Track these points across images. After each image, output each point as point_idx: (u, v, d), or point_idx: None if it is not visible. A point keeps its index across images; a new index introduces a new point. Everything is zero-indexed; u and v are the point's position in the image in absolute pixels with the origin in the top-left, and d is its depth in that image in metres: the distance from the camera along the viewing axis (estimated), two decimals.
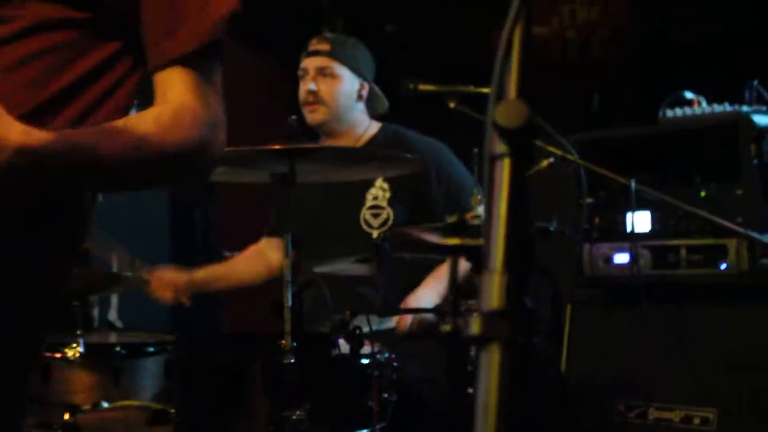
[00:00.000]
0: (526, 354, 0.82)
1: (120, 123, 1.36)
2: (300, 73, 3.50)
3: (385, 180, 3.43)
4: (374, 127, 3.57)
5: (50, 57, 1.37)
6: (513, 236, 0.84)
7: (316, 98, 3.43)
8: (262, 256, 3.64)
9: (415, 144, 3.47)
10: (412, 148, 3.39)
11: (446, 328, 2.38)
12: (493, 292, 0.82)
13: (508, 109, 0.86)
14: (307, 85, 3.45)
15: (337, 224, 3.44)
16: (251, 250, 3.69)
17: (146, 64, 1.46)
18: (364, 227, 3.42)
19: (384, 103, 3.59)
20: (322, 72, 3.45)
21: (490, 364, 0.80)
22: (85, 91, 1.40)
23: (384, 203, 3.43)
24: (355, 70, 3.48)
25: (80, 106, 1.39)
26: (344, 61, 3.46)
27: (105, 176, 1.36)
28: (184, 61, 1.43)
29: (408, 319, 3.20)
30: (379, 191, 3.44)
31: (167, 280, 3.41)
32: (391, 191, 3.43)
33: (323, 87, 3.44)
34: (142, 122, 1.37)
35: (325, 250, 3.25)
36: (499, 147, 0.86)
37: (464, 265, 3.07)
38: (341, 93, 3.46)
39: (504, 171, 0.86)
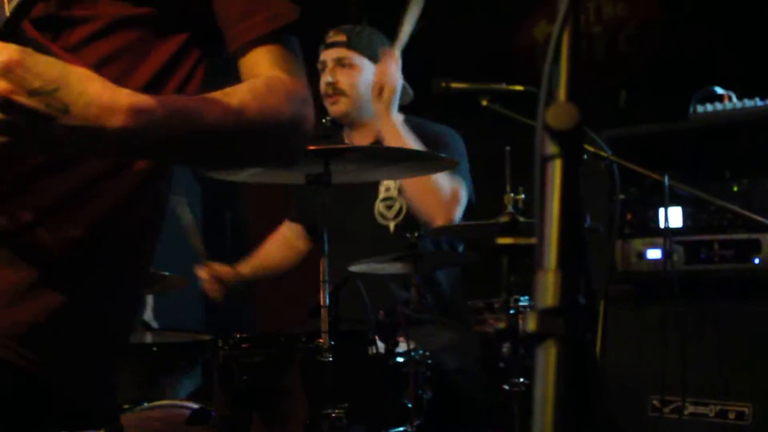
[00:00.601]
0: (581, 350, 0.84)
1: (217, 93, 1.34)
2: (319, 66, 3.49)
3: None
4: (397, 120, 3.57)
5: (125, 56, 1.38)
6: (566, 235, 0.86)
7: (335, 90, 3.43)
8: (290, 242, 3.68)
9: (437, 136, 3.46)
10: (435, 141, 3.39)
11: (501, 325, 2.39)
12: (548, 290, 0.84)
13: (558, 111, 0.88)
14: (326, 77, 3.45)
15: (351, 218, 3.45)
16: (278, 239, 3.73)
17: (212, 54, 1.46)
18: (379, 219, 3.43)
19: (408, 92, 3.57)
20: (340, 63, 3.44)
21: (547, 360, 0.82)
22: (161, 88, 1.41)
23: (395, 194, 3.43)
24: (374, 58, 3.46)
25: None
26: (362, 51, 3.46)
27: (209, 144, 1.33)
28: (269, 39, 1.44)
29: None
30: (390, 182, 3.43)
31: (218, 274, 3.43)
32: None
33: (342, 78, 3.43)
34: (239, 91, 1.36)
35: (342, 246, 3.28)
36: (551, 148, 0.88)
37: None
38: (361, 83, 3.45)
39: (556, 171, 0.87)
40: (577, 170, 0.88)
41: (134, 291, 1.49)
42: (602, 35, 5.12)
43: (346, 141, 3.56)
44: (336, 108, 3.43)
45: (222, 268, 3.47)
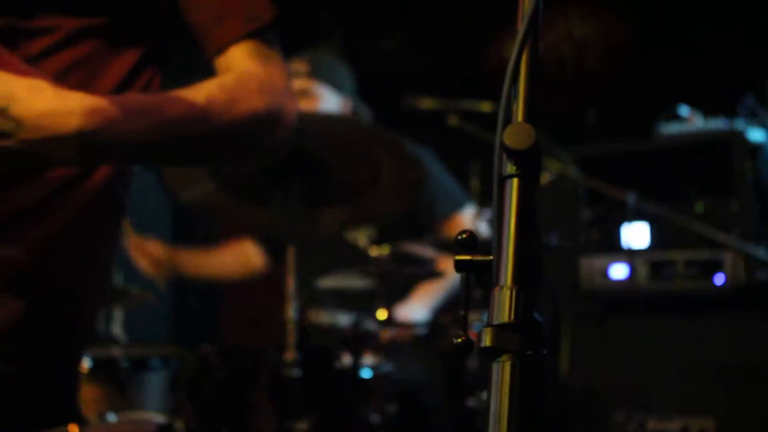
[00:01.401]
0: (536, 366, 0.86)
1: (180, 91, 1.32)
2: None
3: None
4: None
5: (85, 67, 1.37)
6: (522, 253, 0.88)
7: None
8: (246, 260, 3.67)
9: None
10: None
11: (458, 341, 2.41)
12: (504, 306, 0.86)
13: (516, 131, 0.90)
14: None
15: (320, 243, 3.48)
16: (236, 252, 3.71)
17: (167, 69, 1.45)
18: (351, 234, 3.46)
19: (367, 114, 3.60)
20: (302, 93, 3.46)
21: (502, 375, 0.84)
22: None
23: None
24: (337, 87, 3.48)
25: None
26: (323, 80, 3.46)
27: (174, 140, 1.31)
28: (248, 36, 1.42)
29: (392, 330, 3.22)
30: None
31: (147, 250, 3.38)
32: None
33: (303, 108, 3.44)
34: (206, 86, 1.34)
35: (314, 254, 3.30)
36: (509, 168, 0.91)
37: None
38: (322, 111, 3.47)
39: (513, 190, 0.90)
40: (534, 189, 0.91)
41: (97, 294, 1.49)
42: (571, 55, 5.17)
43: None
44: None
45: (154, 245, 3.38)
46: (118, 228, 1.50)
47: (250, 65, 1.41)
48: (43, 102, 1.17)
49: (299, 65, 3.46)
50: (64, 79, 1.33)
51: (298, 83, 3.44)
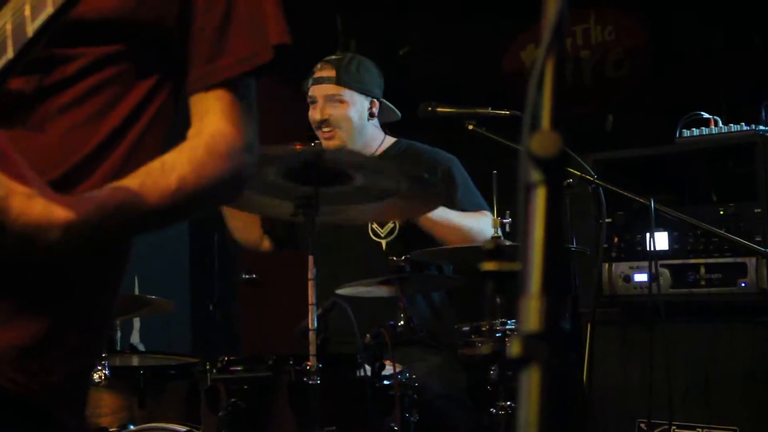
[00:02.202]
0: (563, 375, 0.85)
1: (156, 166, 1.37)
2: (308, 100, 3.52)
3: None
4: (388, 141, 3.61)
5: (108, 89, 1.40)
6: (549, 261, 0.87)
7: (328, 125, 3.46)
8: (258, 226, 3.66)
9: (427, 156, 3.51)
10: (424, 159, 3.43)
11: (485, 350, 2.40)
12: (531, 315, 0.85)
13: (542, 139, 0.89)
14: (317, 114, 3.47)
15: (345, 235, 3.48)
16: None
17: (183, 89, 1.48)
18: (372, 237, 3.46)
19: (395, 113, 3.63)
20: (331, 99, 3.47)
21: (530, 384, 0.83)
22: (132, 127, 1.43)
23: None
24: (363, 91, 3.52)
25: (128, 144, 1.42)
26: (351, 85, 3.49)
27: (147, 225, 1.40)
28: (225, 84, 1.45)
29: None
30: None
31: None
32: None
33: (334, 113, 3.46)
34: (178, 164, 1.38)
35: (336, 262, 3.29)
36: (534, 175, 0.89)
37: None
38: (352, 117, 3.48)
39: (540, 198, 0.88)
40: (560, 197, 0.90)
41: (109, 309, 1.51)
42: (590, 60, 5.15)
43: None
44: (330, 143, 3.46)
45: None
46: (130, 240, 1.51)
47: (222, 124, 1.44)
48: (33, 214, 1.21)
49: (326, 71, 3.49)
50: (91, 99, 1.38)
51: (326, 89, 3.46)
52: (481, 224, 3.32)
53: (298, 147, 2.61)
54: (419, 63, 5.33)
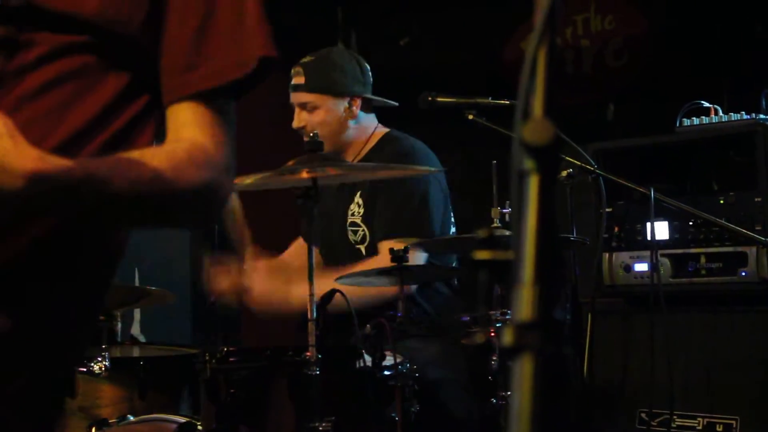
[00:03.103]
0: (556, 363, 0.85)
1: (135, 155, 1.32)
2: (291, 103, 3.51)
3: (361, 196, 3.44)
4: (375, 138, 3.56)
5: (70, 83, 1.35)
6: (542, 249, 0.87)
7: (306, 133, 3.42)
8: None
9: (404, 157, 3.43)
10: (402, 159, 3.38)
11: (479, 339, 2.40)
12: (524, 304, 0.85)
13: (534, 127, 0.89)
14: (295, 121, 3.46)
15: (330, 236, 3.48)
16: (300, 247, 3.63)
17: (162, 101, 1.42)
18: (352, 241, 3.45)
19: (389, 103, 3.57)
20: (304, 107, 3.44)
21: (523, 373, 0.83)
22: (107, 125, 1.38)
23: (359, 220, 3.45)
24: (336, 93, 3.45)
25: (93, 150, 1.36)
26: (321, 90, 3.43)
27: (115, 209, 1.32)
28: (201, 97, 1.40)
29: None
30: (356, 207, 3.45)
31: (227, 272, 3.29)
32: (365, 208, 3.44)
33: (309, 120, 3.42)
34: (156, 157, 1.34)
35: (331, 261, 3.29)
36: (527, 163, 0.89)
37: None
38: (326, 122, 3.43)
39: (532, 187, 0.88)
40: (553, 185, 0.89)
41: (86, 318, 1.45)
42: (590, 49, 5.14)
43: None
44: None
45: (234, 266, 3.29)
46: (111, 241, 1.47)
47: (200, 137, 1.39)
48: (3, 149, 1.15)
49: (297, 77, 3.44)
50: (49, 91, 1.33)
51: (299, 97, 3.43)
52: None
53: (291, 163, 2.61)
54: (420, 54, 5.32)
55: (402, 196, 3.37)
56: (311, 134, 2.70)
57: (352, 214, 3.46)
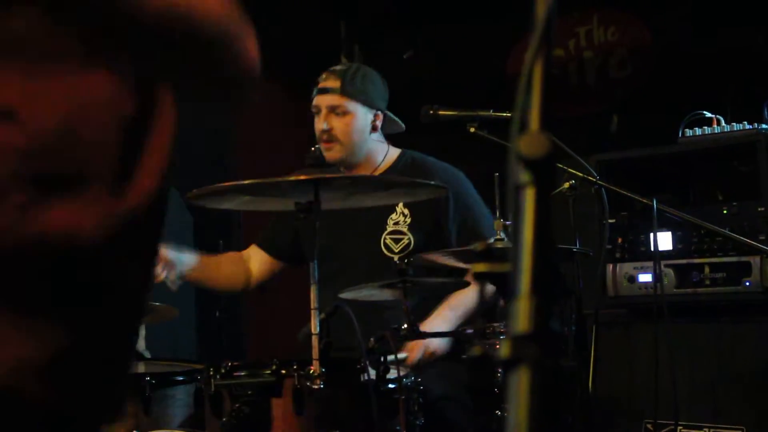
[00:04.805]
0: (554, 375, 0.85)
1: None
2: (313, 109, 3.51)
3: (406, 206, 3.46)
4: (393, 154, 3.61)
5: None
6: (539, 261, 0.87)
7: (330, 136, 3.44)
8: (244, 264, 3.67)
9: (433, 171, 3.51)
10: (430, 174, 3.44)
11: (476, 351, 2.39)
12: (521, 315, 0.85)
13: (530, 140, 0.89)
14: (320, 124, 3.47)
15: (357, 249, 3.48)
16: (236, 255, 3.71)
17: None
18: (385, 252, 3.46)
19: (400, 126, 3.62)
20: (334, 110, 3.45)
21: (520, 385, 0.83)
22: None
23: (405, 228, 3.46)
24: (367, 103, 3.49)
25: None
26: (355, 97, 3.46)
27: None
28: None
29: (418, 351, 3.20)
30: (400, 217, 3.47)
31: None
32: (412, 216, 3.46)
33: (336, 125, 3.45)
34: None
35: (345, 276, 3.29)
36: (523, 176, 0.90)
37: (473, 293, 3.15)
38: (354, 130, 3.46)
39: (528, 199, 0.89)
40: (549, 197, 0.90)
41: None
42: (593, 60, 5.15)
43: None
44: (330, 154, 3.44)
45: (163, 250, 3.31)
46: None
47: None
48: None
49: (330, 81, 3.47)
50: None
51: (330, 99, 3.45)
52: (467, 301, 3.35)
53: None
54: (422, 67, 5.34)
55: (472, 199, 3.51)
56: (314, 147, 2.71)
57: (395, 224, 3.47)
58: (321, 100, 3.48)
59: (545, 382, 0.84)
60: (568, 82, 5.15)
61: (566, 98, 5.06)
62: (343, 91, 3.45)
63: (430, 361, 3.20)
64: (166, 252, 3.33)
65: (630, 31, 5.04)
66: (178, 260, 3.36)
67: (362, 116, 3.48)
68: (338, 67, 3.56)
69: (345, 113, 3.45)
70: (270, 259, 3.68)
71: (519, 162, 0.90)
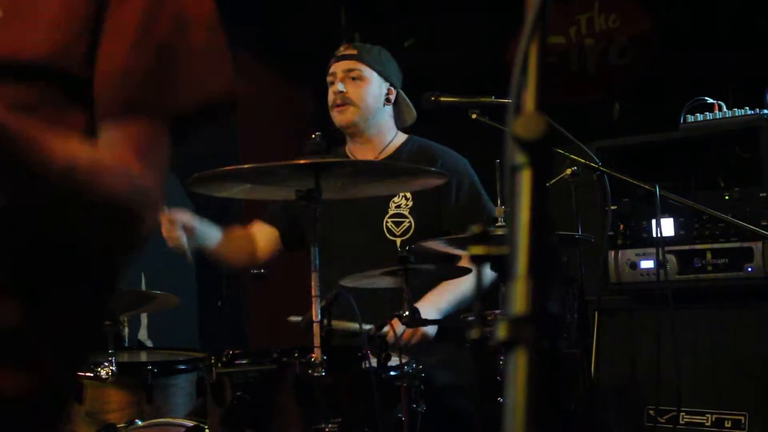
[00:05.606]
0: (552, 357, 0.85)
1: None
2: (329, 78, 3.55)
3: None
4: (400, 138, 3.62)
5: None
6: (535, 243, 0.86)
7: (344, 99, 3.48)
8: (251, 241, 3.65)
9: (439, 157, 3.51)
10: (435, 160, 3.44)
11: (475, 334, 2.39)
12: (518, 297, 0.85)
13: (526, 121, 0.89)
14: (335, 87, 3.50)
15: (360, 232, 3.48)
16: (244, 230, 3.68)
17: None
18: (387, 235, 3.46)
19: (412, 113, 3.64)
20: (349, 74, 3.50)
21: (517, 367, 0.83)
22: None
23: (406, 212, 3.46)
24: (383, 74, 3.55)
25: None
26: (371, 65, 3.52)
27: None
28: (135, 119, 1.32)
29: (398, 329, 3.17)
30: (402, 200, 3.47)
31: (179, 219, 3.25)
32: (413, 200, 3.47)
33: (351, 88, 3.49)
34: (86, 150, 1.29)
35: (349, 259, 3.29)
36: (519, 158, 0.89)
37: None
38: (369, 94, 3.51)
39: (524, 181, 0.88)
40: (546, 179, 0.89)
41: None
42: (594, 48, 5.14)
43: (348, 154, 3.60)
44: (343, 117, 3.48)
45: (186, 216, 3.28)
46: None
47: (125, 155, 1.30)
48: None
49: (349, 49, 3.53)
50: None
51: (346, 65, 3.50)
52: (459, 287, 3.35)
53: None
54: (423, 55, 5.32)
55: (475, 186, 3.51)
56: (315, 135, 2.69)
57: (398, 207, 3.47)
58: (337, 66, 3.53)
59: (543, 364, 0.83)
60: (569, 70, 5.13)
61: (567, 86, 5.05)
62: (360, 57, 3.52)
63: (420, 343, 3.19)
64: (191, 219, 3.29)
65: (631, 18, 5.02)
66: (201, 231, 3.31)
67: (377, 84, 3.54)
68: (357, 42, 3.63)
69: (360, 78, 3.51)
70: (275, 232, 3.66)
71: (515, 144, 0.89)
